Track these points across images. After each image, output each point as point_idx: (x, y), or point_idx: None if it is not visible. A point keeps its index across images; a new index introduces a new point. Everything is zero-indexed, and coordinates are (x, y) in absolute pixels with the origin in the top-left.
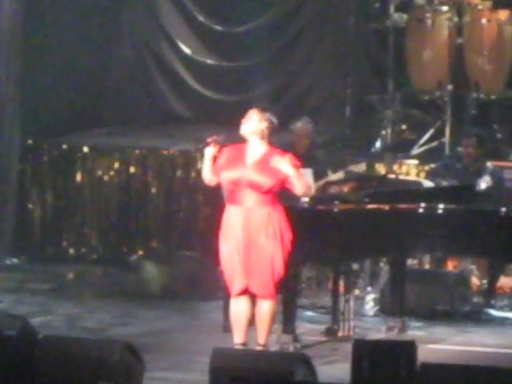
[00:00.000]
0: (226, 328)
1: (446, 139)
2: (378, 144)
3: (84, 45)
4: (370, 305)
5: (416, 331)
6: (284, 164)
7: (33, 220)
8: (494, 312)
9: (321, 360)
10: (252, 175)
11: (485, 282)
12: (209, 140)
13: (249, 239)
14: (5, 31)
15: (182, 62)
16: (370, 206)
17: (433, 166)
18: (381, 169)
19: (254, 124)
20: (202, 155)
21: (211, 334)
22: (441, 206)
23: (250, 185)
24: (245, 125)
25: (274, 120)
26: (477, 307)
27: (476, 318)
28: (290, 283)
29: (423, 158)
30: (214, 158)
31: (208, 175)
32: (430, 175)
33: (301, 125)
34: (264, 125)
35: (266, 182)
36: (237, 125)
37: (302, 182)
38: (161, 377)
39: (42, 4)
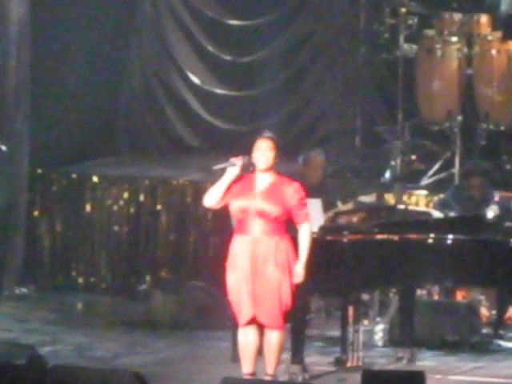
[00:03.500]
0: (235, 358)
1: (456, 170)
2: (387, 174)
3: (94, 74)
4: (379, 335)
5: (425, 362)
6: (289, 193)
7: (42, 249)
8: (503, 343)
9: None
10: (260, 203)
11: (494, 312)
12: (235, 161)
13: (256, 269)
14: (13, 59)
15: (192, 92)
16: (380, 237)
17: (442, 196)
18: (390, 199)
19: (269, 156)
20: (214, 179)
21: (220, 364)
22: (450, 236)
23: (258, 213)
24: (261, 157)
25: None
26: (486, 338)
27: (485, 348)
28: (298, 313)
29: (433, 189)
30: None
31: (218, 197)
32: (438, 205)
33: (314, 156)
34: (274, 154)
35: (273, 210)
36: (246, 154)
37: (304, 214)
38: None
39: (51, 33)
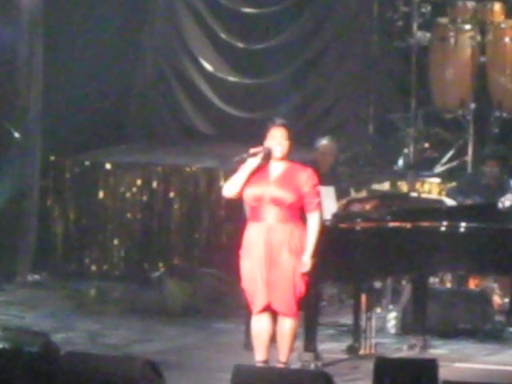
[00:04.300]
0: (248, 345)
1: (469, 158)
2: (400, 162)
3: (106, 62)
4: (391, 323)
5: (438, 349)
6: (303, 179)
7: (55, 237)
8: None
9: (342, 378)
10: (274, 191)
11: (507, 300)
12: (256, 150)
13: (271, 256)
14: (25, 47)
15: (204, 79)
16: (393, 224)
17: (455, 183)
18: (403, 187)
19: (284, 144)
20: (232, 171)
21: (232, 352)
22: (463, 224)
23: (272, 200)
24: (277, 147)
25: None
26: (498, 326)
27: (498, 336)
28: (311, 301)
29: (445, 177)
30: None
31: (238, 188)
32: (452, 192)
33: (325, 143)
34: (289, 143)
35: (288, 197)
36: (259, 142)
37: (315, 202)
38: None
39: (63, 21)
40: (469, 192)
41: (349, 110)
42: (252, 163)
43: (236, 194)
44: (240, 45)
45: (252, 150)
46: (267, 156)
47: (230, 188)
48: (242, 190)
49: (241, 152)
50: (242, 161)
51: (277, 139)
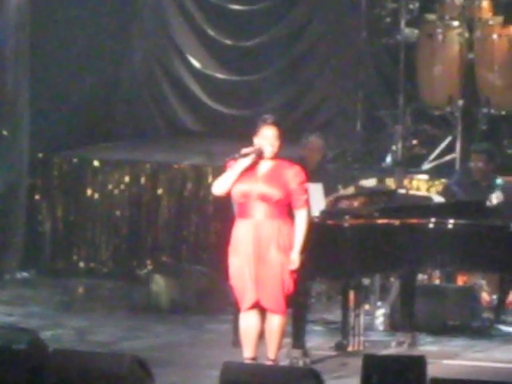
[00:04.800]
0: (236, 342)
1: (457, 154)
2: (388, 159)
3: (94, 58)
4: (380, 320)
5: (426, 346)
6: (290, 176)
7: (43, 234)
8: (503, 327)
9: (330, 375)
10: (262, 187)
11: (495, 297)
12: (248, 151)
13: (259, 253)
14: (12, 43)
15: (192, 76)
16: (381, 221)
17: (443, 181)
18: (391, 184)
19: (276, 145)
20: (220, 168)
21: (221, 349)
22: (451, 221)
23: (260, 197)
24: (268, 147)
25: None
26: (487, 322)
27: (486, 333)
28: (299, 298)
29: (434, 173)
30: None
31: (229, 185)
32: (442, 193)
33: (313, 139)
34: (280, 143)
35: (275, 193)
36: (247, 139)
37: (303, 199)
38: None
39: (51, 16)
40: (457, 191)
41: (337, 107)
42: (243, 163)
43: (225, 193)
44: (228, 42)
45: (244, 151)
46: (259, 155)
47: (219, 186)
48: (232, 188)
49: (229, 149)
50: (233, 160)
51: (269, 139)
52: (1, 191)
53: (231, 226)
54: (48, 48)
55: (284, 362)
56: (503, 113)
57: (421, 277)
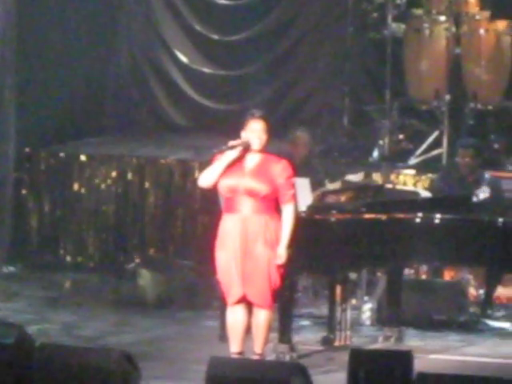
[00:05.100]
0: (223, 337)
1: (444, 149)
2: (375, 154)
3: (81, 53)
4: (366, 314)
5: (413, 341)
6: (277, 170)
7: (30, 228)
8: (490, 322)
9: (317, 369)
10: (249, 182)
11: (482, 292)
12: (235, 143)
13: (246, 248)
14: None
15: (179, 71)
16: (367, 216)
17: (430, 175)
18: (378, 178)
19: (263, 138)
20: (206, 161)
21: (207, 343)
22: (438, 215)
23: (247, 192)
24: (256, 140)
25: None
26: (474, 317)
27: (473, 328)
28: (286, 292)
29: (420, 168)
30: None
31: (215, 177)
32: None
33: (299, 134)
34: (267, 136)
35: (262, 188)
36: (234, 133)
37: (290, 194)
38: None
39: (38, 12)
40: (444, 188)
41: (324, 102)
42: (230, 156)
43: (212, 185)
44: (215, 36)
45: (231, 143)
46: (246, 148)
47: (205, 178)
48: (218, 180)
49: (216, 143)
50: (220, 153)
51: (256, 132)
52: None
53: (218, 220)
54: (35, 43)
55: (271, 357)
56: (490, 107)
57: (408, 271)
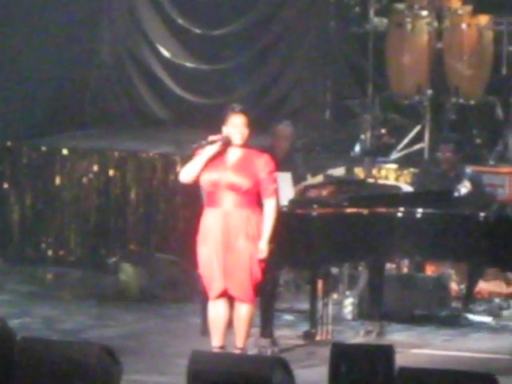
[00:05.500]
0: (204, 331)
1: (425, 144)
2: (357, 148)
3: (64, 46)
4: (348, 309)
5: (394, 335)
6: (260, 165)
7: (11, 222)
8: (472, 317)
9: (298, 364)
10: (231, 176)
11: (463, 286)
12: (215, 138)
13: (228, 242)
14: None
15: (162, 65)
16: (349, 210)
17: (412, 170)
18: (360, 173)
19: (245, 132)
20: (189, 157)
21: (189, 337)
22: (419, 210)
23: (228, 186)
24: (237, 134)
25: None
26: (455, 312)
27: (454, 322)
28: (268, 287)
29: (402, 163)
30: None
31: (196, 172)
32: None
33: (281, 127)
34: (249, 130)
35: (244, 182)
36: (216, 128)
37: (272, 189)
38: (138, 379)
39: (19, 5)
40: (425, 184)
41: (306, 96)
42: (210, 150)
43: (193, 180)
44: (197, 31)
45: (210, 138)
46: (226, 143)
47: (186, 173)
48: (199, 175)
49: (198, 138)
50: (201, 147)
51: (237, 127)
52: None
53: (200, 214)
54: (15, 36)
55: (252, 351)
56: (472, 102)
57: (389, 266)
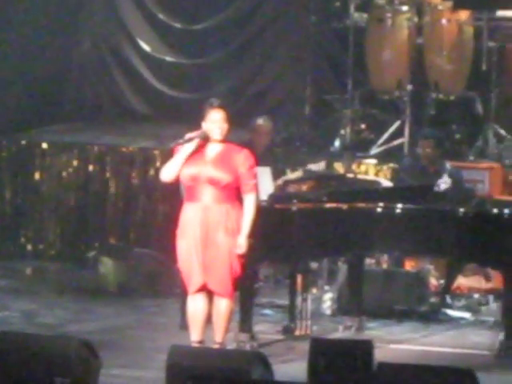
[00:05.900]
0: (183, 325)
1: (405, 139)
2: (336, 143)
3: (43, 40)
4: (327, 304)
5: (373, 331)
6: (239, 160)
7: None
8: (451, 312)
9: (277, 358)
10: (210, 171)
11: (442, 282)
12: (192, 135)
13: (207, 236)
14: None
15: (142, 60)
16: (329, 205)
17: (392, 165)
18: (339, 168)
19: (224, 127)
20: (169, 152)
21: (168, 332)
22: (399, 205)
23: (208, 180)
24: (217, 129)
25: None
26: (434, 307)
27: (433, 317)
28: (247, 281)
29: (382, 158)
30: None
31: (176, 172)
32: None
33: (260, 123)
34: (228, 125)
35: (224, 177)
36: (196, 123)
37: (252, 184)
38: (117, 374)
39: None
40: (406, 179)
41: (285, 91)
42: (189, 148)
43: (173, 179)
44: (178, 25)
45: (188, 135)
46: (204, 139)
47: (167, 172)
48: (179, 173)
49: (178, 132)
50: (179, 145)
51: (216, 123)
52: None
53: (179, 209)
54: None
55: (231, 346)
56: (452, 98)
57: (369, 261)
